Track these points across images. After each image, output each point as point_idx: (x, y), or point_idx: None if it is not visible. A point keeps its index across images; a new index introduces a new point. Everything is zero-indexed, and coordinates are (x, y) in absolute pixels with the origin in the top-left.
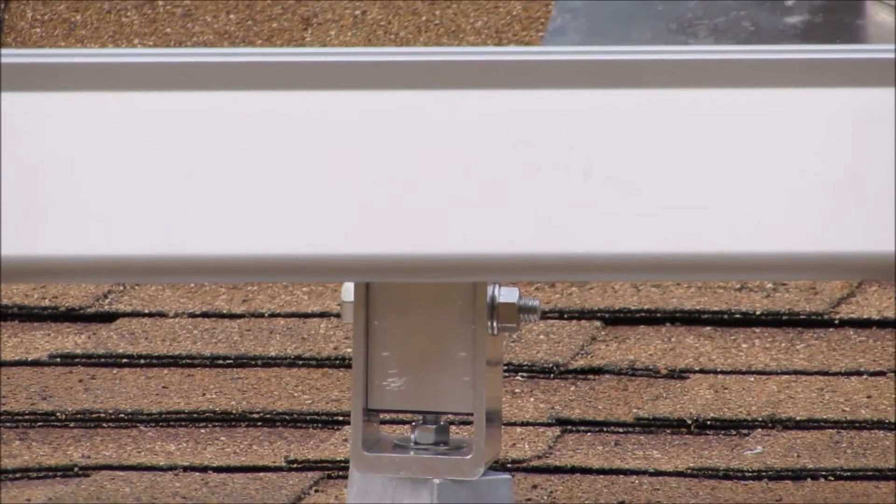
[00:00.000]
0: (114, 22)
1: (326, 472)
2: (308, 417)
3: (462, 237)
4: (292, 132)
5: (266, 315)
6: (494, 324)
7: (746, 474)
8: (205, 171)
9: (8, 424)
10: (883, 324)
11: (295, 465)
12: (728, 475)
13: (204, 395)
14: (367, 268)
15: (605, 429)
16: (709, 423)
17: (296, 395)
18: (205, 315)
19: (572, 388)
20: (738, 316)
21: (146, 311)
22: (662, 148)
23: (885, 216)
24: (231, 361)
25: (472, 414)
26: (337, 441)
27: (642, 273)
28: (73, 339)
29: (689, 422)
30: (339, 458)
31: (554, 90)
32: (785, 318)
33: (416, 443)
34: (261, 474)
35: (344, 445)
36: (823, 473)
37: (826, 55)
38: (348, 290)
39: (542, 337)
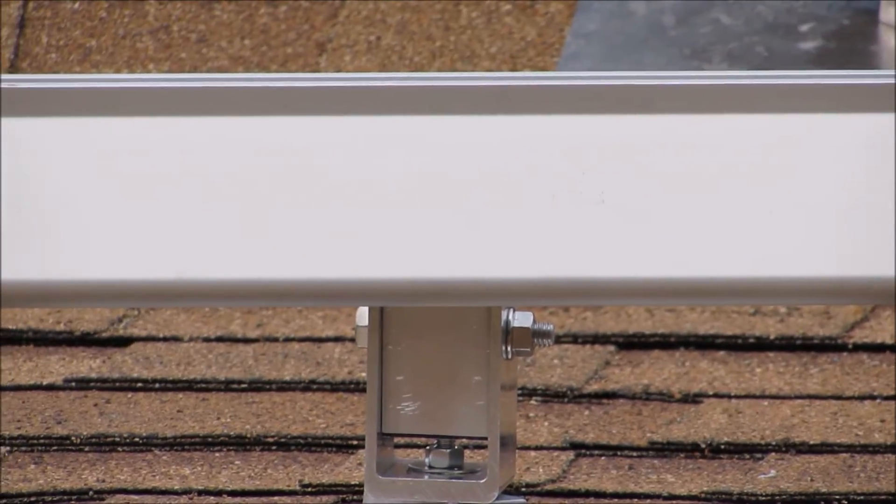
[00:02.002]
0: (129, 47)
1: (341, 497)
2: (322, 441)
3: (477, 262)
4: (306, 157)
5: (281, 339)
6: (509, 348)
7: (760, 498)
8: (219, 196)
9: (23, 448)
10: None
11: (309, 489)
12: (742, 499)
13: (219, 419)
14: (381, 292)
15: (618, 453)
16: (722, 447)
17: (310, 419)
18: (219, 339)
19: (586, 412)
20: (751, 340)
21: (161, 335)
22: (676, 173)
23: None
24: (246, 386)
25: (486, 438)
26: (351, 465)
27: (656, 298)
28: (87, 364)
29: (703, 446)
30: (353, 482)
31: (568, 115)
32: (799, 342)
33: (430, 467)
34: (275, 498)
35: (358, 469)
36: (837, 497)
37: (839, 80)
38: (363, 315)
39: (556, 361)
